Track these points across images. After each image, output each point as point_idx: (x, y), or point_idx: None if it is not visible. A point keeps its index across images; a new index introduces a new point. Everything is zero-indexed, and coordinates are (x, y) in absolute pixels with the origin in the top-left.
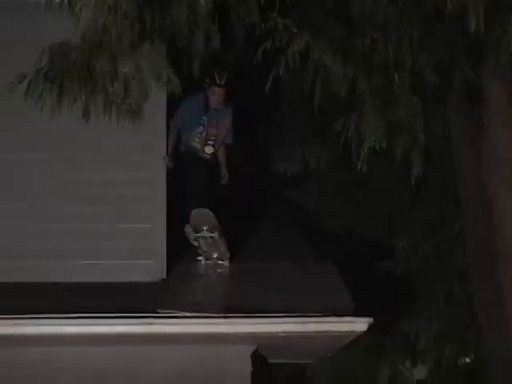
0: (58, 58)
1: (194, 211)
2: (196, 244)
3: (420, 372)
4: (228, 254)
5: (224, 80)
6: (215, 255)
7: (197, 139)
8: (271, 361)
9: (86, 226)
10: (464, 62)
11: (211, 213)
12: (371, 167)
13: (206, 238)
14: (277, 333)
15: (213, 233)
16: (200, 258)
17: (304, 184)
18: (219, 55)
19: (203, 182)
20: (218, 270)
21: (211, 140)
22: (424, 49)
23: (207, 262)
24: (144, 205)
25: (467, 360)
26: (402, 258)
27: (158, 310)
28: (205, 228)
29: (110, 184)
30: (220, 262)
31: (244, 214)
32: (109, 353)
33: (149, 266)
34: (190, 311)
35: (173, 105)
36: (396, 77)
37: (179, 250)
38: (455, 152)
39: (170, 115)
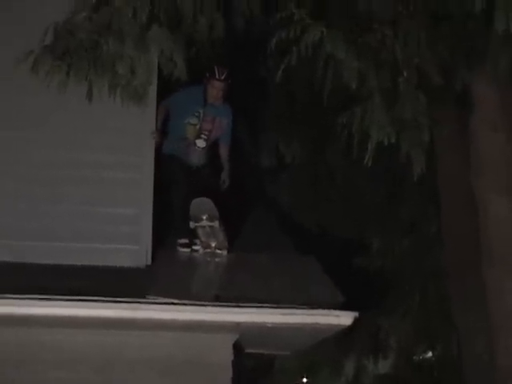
0: (64, 37)
1: (195, 200)
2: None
3: (384, 366)
4: (226, 244)
5: (224, 75)
6: (213, 244)
7: (190, 130)
8: (248, 350)
9: (72, 207)
10: (463, 63)
11: (211, 202)
12: (345, 163)
13: (204, 227)
14: (265, 323)
15: (213, 222)
16: (197, 247)
17: (279, 177)
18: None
19: (183, 191)
20: (203, 259)
21: (204, 134)
22: (429, 48)
23: (205, 250)
24: (131, 189)
25: (431, 356)
26: (377, 255)
27: (147, 296)
28: (204, 217)
29: (98, 166)
30: (218, 251)
31: (221, 206)
32: (92, 336)
33: (134, 251)
34: (178, 298)
35: (164, 91)
36: (404, 73)
37: (161, 237)
38: (437, 153)
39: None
